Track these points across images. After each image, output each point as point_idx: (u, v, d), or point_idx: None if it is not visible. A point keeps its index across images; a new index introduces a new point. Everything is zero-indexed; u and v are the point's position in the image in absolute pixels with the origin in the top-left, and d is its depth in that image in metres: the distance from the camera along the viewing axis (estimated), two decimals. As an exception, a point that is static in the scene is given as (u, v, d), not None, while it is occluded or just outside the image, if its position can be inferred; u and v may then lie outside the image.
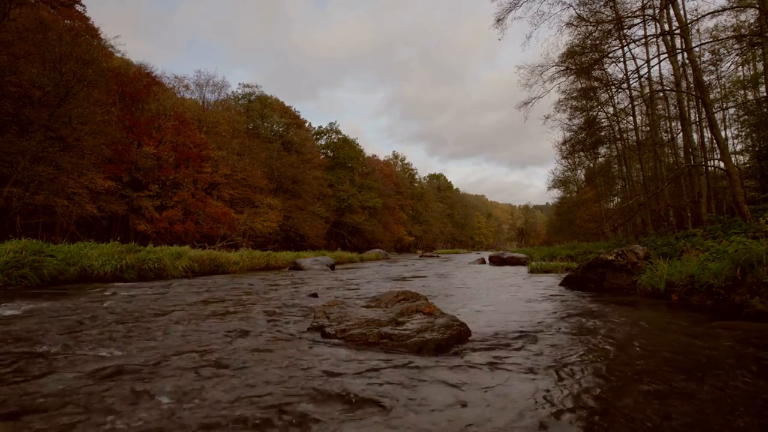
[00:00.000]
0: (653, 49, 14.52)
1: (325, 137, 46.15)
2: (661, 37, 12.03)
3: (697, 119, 14.03)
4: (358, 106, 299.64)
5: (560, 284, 7.07)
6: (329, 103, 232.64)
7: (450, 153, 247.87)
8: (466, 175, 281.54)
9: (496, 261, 16.34)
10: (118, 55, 23.20)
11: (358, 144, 46.68)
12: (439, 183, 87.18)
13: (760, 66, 16.54)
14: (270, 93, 43.30)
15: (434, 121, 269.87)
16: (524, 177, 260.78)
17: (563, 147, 26.46)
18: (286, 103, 40.07)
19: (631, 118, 17.23)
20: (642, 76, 12.94)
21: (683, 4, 12.16)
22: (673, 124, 18.25)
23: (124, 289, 6.23)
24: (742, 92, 19.25)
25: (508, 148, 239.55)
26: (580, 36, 13.80)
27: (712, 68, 15.45)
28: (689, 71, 11.44)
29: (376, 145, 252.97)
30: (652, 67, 13.34)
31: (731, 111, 18.86)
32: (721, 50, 13.18)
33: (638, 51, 19.04)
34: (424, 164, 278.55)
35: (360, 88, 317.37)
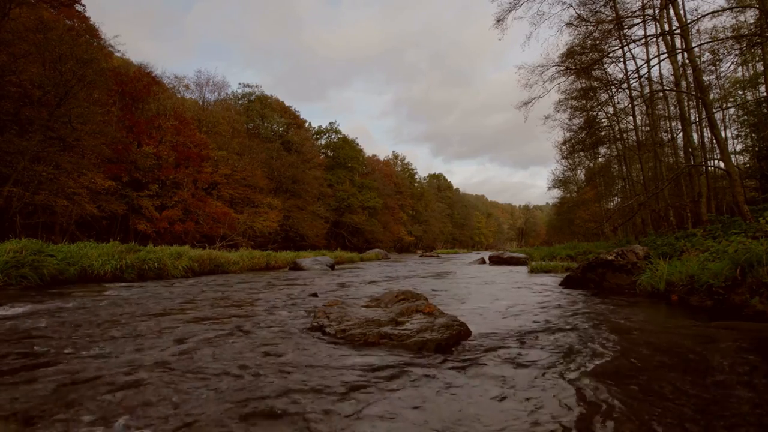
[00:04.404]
0: (653, 49, 14.54)
1: (325, 137, 46.13)
2: (661, 37, 12.02)
3: (697, 119, 14.03)
4: (366, 106, 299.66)
5: (560, 284, 7.07)
6: (338, 104, 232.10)
7: (454, 153, 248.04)
8: (469, 175, 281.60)
9: (496, 261, 16.34)
10: (118, 54, 23.14)
11: (357, 144, 46.72)
12: (438, 183, 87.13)
13: (759, 66, 16.54)
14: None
15: (440, 122, 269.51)
16: (527, 177, 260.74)
17: (563, 147, 26.50)
18: (290, 103, 40.16)
19: (631, 118, 17.22)
20: (642, 76, 12.94)
21: (683, 4, 12.16)
22: (673, 124, 18.24)
23: (124, 290, 6.23)
24: (742, 92, 19.25)
25: (512, 148, 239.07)
26: (580, 36, 13.80)
27: (712, 68, 15.43)
28: (689, 71, 11.43)
29: (382, 146, 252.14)
30: (652, 67, 13.34)
31: (731, 111, 18.87)
32: (721, 50, 13.15)
33: (638, 51, 19.10)
34: (428, 164, 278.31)
35: (369, 89, 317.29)
